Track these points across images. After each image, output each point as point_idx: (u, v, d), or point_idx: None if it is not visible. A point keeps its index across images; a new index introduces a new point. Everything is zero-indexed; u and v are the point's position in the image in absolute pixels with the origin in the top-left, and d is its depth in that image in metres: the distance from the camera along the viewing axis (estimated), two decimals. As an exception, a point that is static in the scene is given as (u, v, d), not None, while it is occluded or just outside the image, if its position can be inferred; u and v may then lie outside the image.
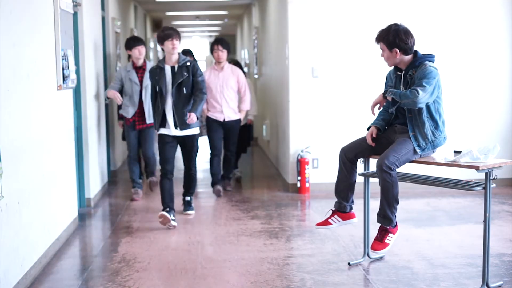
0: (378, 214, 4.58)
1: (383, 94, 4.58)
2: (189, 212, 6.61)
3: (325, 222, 4.79)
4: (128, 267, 4.91)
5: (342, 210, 4.76)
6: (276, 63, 9.26)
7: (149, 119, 7.32)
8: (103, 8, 8.73)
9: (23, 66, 4.59)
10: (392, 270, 4.74)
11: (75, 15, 6.66)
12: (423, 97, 4.31)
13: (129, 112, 7.31)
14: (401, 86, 4.58)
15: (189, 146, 6.32)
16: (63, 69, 5.66)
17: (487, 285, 4.24)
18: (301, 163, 7.63)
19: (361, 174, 4.91)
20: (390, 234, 4.55)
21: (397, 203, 4.53)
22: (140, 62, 7.38)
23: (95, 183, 7.31)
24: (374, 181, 5.18)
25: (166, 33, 6.06)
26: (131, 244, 5.56)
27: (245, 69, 15.49)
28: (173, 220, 6.06)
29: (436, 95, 4.44)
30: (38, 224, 4.85)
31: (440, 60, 7.72)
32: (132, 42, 7.39)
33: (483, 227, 4.23)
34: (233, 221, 6.34)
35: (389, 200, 4.49)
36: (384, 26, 7.71)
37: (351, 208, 4.79)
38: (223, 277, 4.64)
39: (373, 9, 7.61)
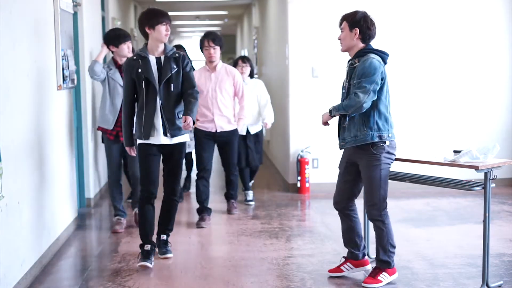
0: (376, 258, 4.48)
1: (328, 110, 4.40)
2: (168, 255, 5.07)
3: (337, 270, 4.63)
4: (128, 267, 4.91)
5: (355, 258, 4.61)
6: (276, 63, 9.26)
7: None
8: (103, 8, 8.73)
9: (23, 66, 4.60)
10: (392, 270, 4.74)
11: (75, 15, 6.67)
12: (366, 98, 4.14)
13: (110, 121, 5.89)
14: (347, 79, 4.39)
15: (177, 158, 4.98)
16: (63, 69, 5.66)
17: (487, 285, 4.24)
18: (301, 163, 7.63)
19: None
20: (384, 273, 4.41)
21: (393, 247, 4.43)
22: (124, 60, 5.80)
23: (95, 183, 7.31)
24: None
25: (160, 13, 4.80)
26: (131, 244, 5.56)
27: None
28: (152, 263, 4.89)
29: (376, 91, 4.21)
30: (38, 224, 4.85)
31: (441, 60, 7.78)
32: (121, 37, 5.94)
33: (483, 227, 4.23)
34: (233, 221, 6.33)
35: (384, 247, 4.40)
36: (385, 26, 7.70)
37: (364, 255, 4.62)
38: (223, 277, 4.64)
39: (373, 9, 7.60)
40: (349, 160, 4.46)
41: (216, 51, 6.18)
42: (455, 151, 4.43)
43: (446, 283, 4.45)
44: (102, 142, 6.12)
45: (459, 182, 4.41)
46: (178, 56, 4.88)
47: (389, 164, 4.38)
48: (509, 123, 7.86)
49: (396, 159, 4.77)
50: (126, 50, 5.94)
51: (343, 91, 4.43)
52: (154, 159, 4.92)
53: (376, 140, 4.27)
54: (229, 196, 6.75)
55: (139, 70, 4.79)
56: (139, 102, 4.85)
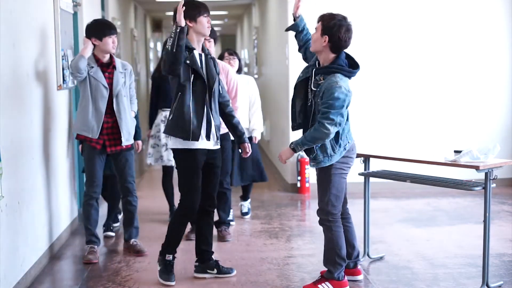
0: (323, 260, 4.34)
1: (290, 147, 4.14)
2: (233, 273, 4.73)
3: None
4: (128, 267, 4.91)
5: (346, 267, 4.40)
6: (276, 63, 9.25)
7: (128, 138, 5.14)
8: (103, 8, 8.73)
9: (23, 66, 4.60)
10: (392, 270, 4.74)
11: (75, 15, 6.66)
12: (334, 129, 3.98)
13: (94, 128, 5.01)
14: (309, 90, 4.13)
15: (219, 165, 4.61)
16: (63, 69, 5.66)
17: (487, 285, 4.24)
18: (301, 163, 7.63)
19: (361, 174, 4.91)
20: (327, 284, 4.25)
21: (342, 259, 4.22)
22: (107, 58, 5.13)
23: (95, 183, 7.29)
24: (374, 181, 5.19)
25: (203, 4, 4.32)
26: (131, 244, 5.56)
27: (245, 69, 15.35)
28: None
29: (342, 117, 4.04)
30: (38, 224, 4.85)
31: (441, 60, 7.78)
32: (106, 29, 5.07)
33: (483, 227, 4.23)
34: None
35: (328, 255, 4.25)
36: (386, 26, 7.68)
37: (355, 265, 4.49)
38: (223, 277, 4.63)
39: (373, 9, 7.61)
40: None
41: (211, 45, 5.43)
42: (455, 151, 4.43)
43: (446, 283, 4.45)
44: (81, 153, 5.31)
45: (460, 182, 4.41)
46: (214, 58, 4.51)
47: (343, 169, 4.18)
48: (509, 123, 7.86)
49: (396, 159, 4.78)
50: (111, 45, 5.05)
51: (308, 102, 4.17)
52: (200, 170, 4.41)
53: (325, 165, 4.14)
54: (220, 220, 5.78)
55: (187, 62, 4.24)
56: (183, 98, 4.27)
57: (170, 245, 4.52)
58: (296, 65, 7.72)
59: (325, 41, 4.07)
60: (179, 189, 4.47)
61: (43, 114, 5.10)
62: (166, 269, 4.51)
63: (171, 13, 4.42)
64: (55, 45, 5.53)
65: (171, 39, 4.09)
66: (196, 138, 4.30)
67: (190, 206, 4.43)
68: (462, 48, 7.80)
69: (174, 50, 4.08)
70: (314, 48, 4.17)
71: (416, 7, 7.75)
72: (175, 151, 4.40)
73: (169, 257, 4.52)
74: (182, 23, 4.09)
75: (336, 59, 4.08)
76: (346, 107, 4.07)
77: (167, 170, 6.29)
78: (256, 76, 12.65)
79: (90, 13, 7.32)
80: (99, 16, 8.09)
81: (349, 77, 4.12)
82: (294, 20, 4.51)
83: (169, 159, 6.09)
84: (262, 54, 11.96)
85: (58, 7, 5.57)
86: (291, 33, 7.80)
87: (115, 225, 6.03)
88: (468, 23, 7.79)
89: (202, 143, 4.34)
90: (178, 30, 4.08)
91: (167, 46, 4.12)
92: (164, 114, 6.13)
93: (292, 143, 4.14)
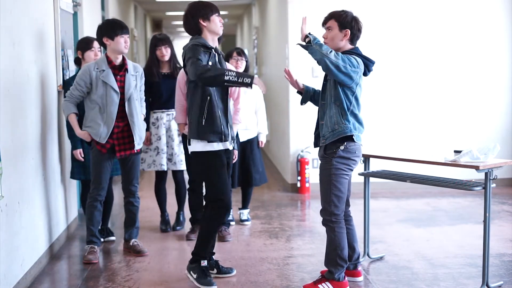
0: (324, 261, 4.34)
1: (307, 36, 4.19)
2: (233, 273, 4.73)
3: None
4: (128, 267, 4.91)
5: (346, 268, 4.37)
6: (276, 63, 9.26)
7: (140, 142, 5.10)
8: (103, 8, 8.74)
9: (23, 66, 4.60)
10: (392, 270, 4.74)
11: (75, 15, 6.67)
12: (333, 59, 3.96)
13: (101, 133, 4.90)
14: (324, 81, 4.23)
15: (231, 163, 4.65)
16: (63, 69, 5.67)
17: (487, 285, 4.24)
18: (301, 163, 7.63)
19: (361, 174, 4.91)
20: (327, 284, 4.23)
21: (343, 260, 4.21)
22: (120, 59, 4.99)
23: (95, 183, 7.29)
24: (374, 181, 5.20)
25: (213, 4, 4.39)
26: (131, 244, 5.55)
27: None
28: None
29: (350, 77, 4.03)
30: (38, 224, 4.85)
31: (441, 60, 7.78)
32: (117, 28, 4.91)
33: (483, 227, 4.23)
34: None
35: (330, 255, 4.24)
36: (386, 26, 7.68)
37: (355, 267, 4.47)
38: (223, 277, 4.64)
39: (373, 9, 7.61)
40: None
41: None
42: (455, 151, 4.43)
43: (446, 283, 4.45)
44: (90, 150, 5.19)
45: (460, 182, 4.41)
46: (222, 54, 4.56)
47: (344, 170, 4.16)
48: (509, 123, 7.87)
49: (396, 159, 4.78)
50: (123, 44, 4.90)
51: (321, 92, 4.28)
52: (225, 169, 4.44)
53: (352, 133, 4.10)
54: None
55: (210, 63, 4.26)
56: (209, 101, 4.27)
57: (205, 249, 4.47)
58: (296, 65, 7.74)
59: (345, 35, 4.17)
60: (209, 191, 4.40)
61: (43, 114, 5.10)
62: (204, 274, 4.43)
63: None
64: (55, 45, 5.53)
65: (237, 78, 4.12)
66: (227, 139, 4.36)
67: (228, 202, 4.41)
68: (462, 48, 7.81)
69: (225, 83, 4.14)
70: (332, 47, 4.19)
71: (416, 8, 7.75)
72: (199, 154, 4.35)
73: (204, 262, 4.46)
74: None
75: (353, 49, 4.19)
76: (354, 73, 4.04)
77: (160, 175, 5.98)
78: (256, 76, 12.65)
79: (90, 13, 7.33)
80: (98, 16, 8.09)
81: (366, 66, 4.16)
82: (301, 93, 4.44)
83: (161, 164, 5.83)
84: (262, 54, 11.97)
85: (58, 7, 5.58)
86: (291, 33, 7.87)
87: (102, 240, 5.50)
88: (468, 24, 7.80)
89: (224, 144, 4.38)
90: (250, 82, 4.15)
91: (226, 73, 4.10)
92: (155, 116, 5.79)
93: (313, 36, 4.17)
